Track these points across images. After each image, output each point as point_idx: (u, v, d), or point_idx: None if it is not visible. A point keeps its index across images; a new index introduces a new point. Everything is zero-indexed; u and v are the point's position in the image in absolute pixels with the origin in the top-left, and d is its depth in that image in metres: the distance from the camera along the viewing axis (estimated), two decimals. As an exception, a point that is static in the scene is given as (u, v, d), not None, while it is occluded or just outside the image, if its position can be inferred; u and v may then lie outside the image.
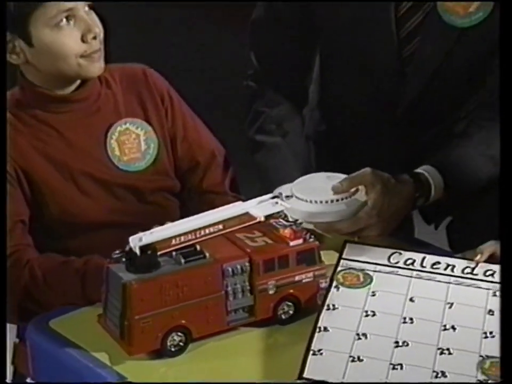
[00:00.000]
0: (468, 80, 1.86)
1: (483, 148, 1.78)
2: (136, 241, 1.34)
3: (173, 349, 1.35)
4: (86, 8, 1.61)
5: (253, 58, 1.92)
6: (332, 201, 1.59)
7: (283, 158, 1.82)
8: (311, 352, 1.31)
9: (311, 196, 1.59)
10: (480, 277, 1.49)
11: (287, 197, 1.53)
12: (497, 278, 1.48)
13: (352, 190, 1.61)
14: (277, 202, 1.46)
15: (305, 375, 1.28)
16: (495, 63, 1.81)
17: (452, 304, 1.43)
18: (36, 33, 1.59)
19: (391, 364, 1.30)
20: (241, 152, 1.85)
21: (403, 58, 1.83)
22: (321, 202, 1.59)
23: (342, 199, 1.60)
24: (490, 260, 1.52)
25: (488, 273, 1.50)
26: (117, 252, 1.35)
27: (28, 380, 1.65)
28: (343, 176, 1.62)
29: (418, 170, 1.71)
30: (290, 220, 1.46)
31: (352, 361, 1.30)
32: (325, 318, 1.38)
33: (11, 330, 1.72)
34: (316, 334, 1.35)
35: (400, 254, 1.55)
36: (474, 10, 1.74)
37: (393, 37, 1.80)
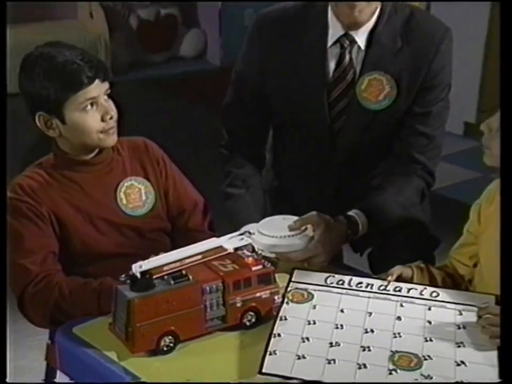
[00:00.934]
0: (380, 147, 1.87)
1: (395, 197, 1.78)
2: (137, 267, 1.33)
3: (165, 349, 1.33)
4: (105, 97, 1.60)
5: (224, 132, 1.92)
6: (288, 236, 1.59)
7: (247, 205, 1.81)
8: (268, 352, 1.30)
9: (272, 232, 1.58)
10: (391, 292, 1.48)
11: (250, 233, 1.52)
12: (403, 292, 1.48)
13: (303, 228, 1.61)
14: (242, 238, 1.46)
15: (263, 370, 1.27)
16: (401, 134, 1.82)
17: (371, 313, 1.42)
18: (68, 115, 1.57)
19: (327, 359, 1.29)
20: (216, 200, 1.84)
21: (334, 131, 1.84)
22: (280, 237, 1.58)
23: (296, 235, 1.59)
24: (398, 279, 1.51)
25: (397, 289, 1.49)
26: (123, 275, 1.34)
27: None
28: (295, 218, 1.62)
29: (350, 213, 1.72)
30: (256, 250, 1.45)
31: (298, 359, 1.30)
32: (278, 327, 1.37)
33: (44, 334, 1.69)
34: (272, 339, 1.34)
35: (334, 276, 1.53)
36: (383, 98, 1.77)
37: (326, 116, 1.81)
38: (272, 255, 1.56)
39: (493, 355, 1.30)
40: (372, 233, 1.73)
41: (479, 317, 1.37)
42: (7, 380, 1.45)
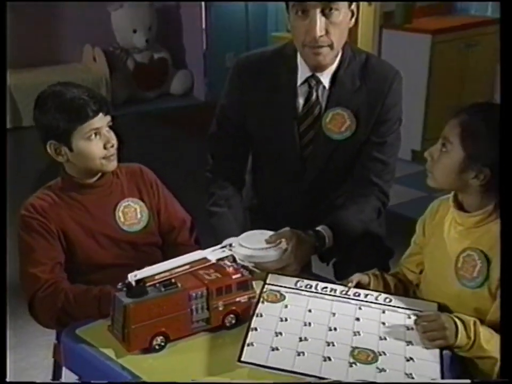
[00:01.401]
0: (343, 171, 1.87)
1: (356, 214, 1.78)
2: (133, 276, 1.31)
3: (156, 347, 1.31)
4: (107, 128, 1.59)
5: (209, 158, 1.90)
6: (264, 248, 1.58)
7: (229, 222, 1.79)
8: (246, 344, 1.29)
9: (251, 245, 1.57)
10: (351, 296, 1.47)
11: (231, 246, 1.51)
12: (361, 297, 1.47)
13: (278, 241, 1.60)
14: (224, 250, 1.46)
15: (242, 359, 1.26)
16: (360, 161, 1.82)
17: (334, 314, 1.41)
18: (75, 143, 1.56)
19: (297, 352, 1.28)
20: (202, 218, 1.82)
21: (303, 158, 1.83)
22: (257, 249, 1.57)
23: (271, 247, 1.58)
24: (357, 285, 1.50)
25: (356, 294, 1.48)
26: (120, 283, 1.32)
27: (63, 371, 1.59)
28: (271, 232, 1.62)
29: (318, 228, 1.71)
30: (236, 260, 1.44)
31: (272, 350, 1.29)
32: (255, 322, 1.36)
33: (52, 335, 1.66)
34: (249, 332, 1.33)
35: (303, 281, 1.52)
36: (344, 130, 1.77)
37: (297, 145, 1.81)
38: (251, 265, 1.54)
39: (436, 353, 1.31)
40: (337, 245, 1.73)
41: (417, 325, 1.36)
42: (7, 379, 1.41)
